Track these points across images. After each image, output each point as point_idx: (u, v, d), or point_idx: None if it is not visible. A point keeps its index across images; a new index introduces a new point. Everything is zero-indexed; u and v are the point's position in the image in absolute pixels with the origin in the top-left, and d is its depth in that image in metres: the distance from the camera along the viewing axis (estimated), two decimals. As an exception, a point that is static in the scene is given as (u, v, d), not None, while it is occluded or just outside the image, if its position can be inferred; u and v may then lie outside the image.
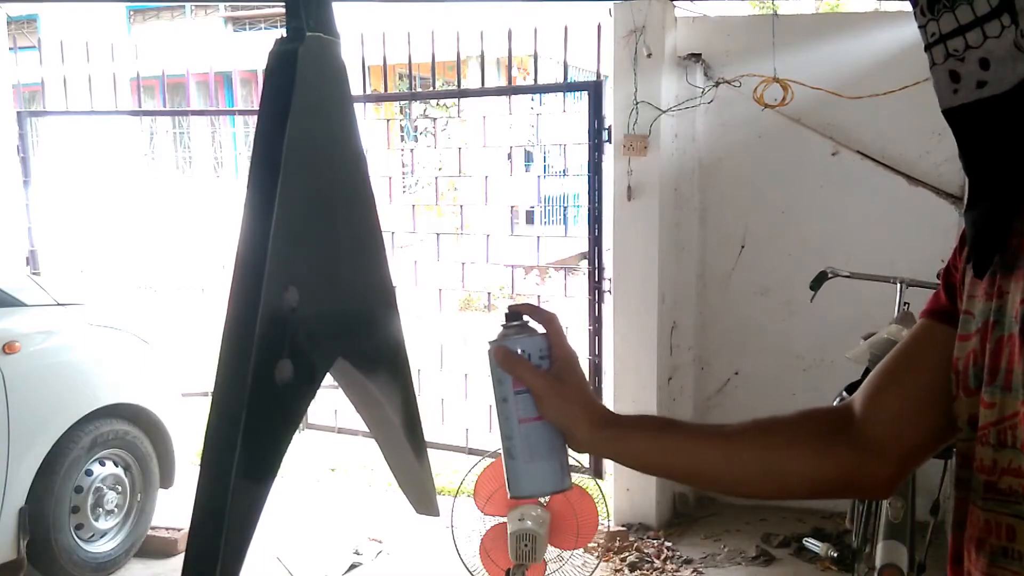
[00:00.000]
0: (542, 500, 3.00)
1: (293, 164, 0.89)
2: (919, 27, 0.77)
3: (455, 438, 4.52)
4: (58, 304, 3.57)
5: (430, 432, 4.25)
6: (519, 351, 0.94)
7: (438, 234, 4.73)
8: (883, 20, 3.99)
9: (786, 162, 4.08)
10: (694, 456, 0.95)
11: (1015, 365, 0.75)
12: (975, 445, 0.80)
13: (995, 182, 0.77)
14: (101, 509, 3.58)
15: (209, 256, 5.92)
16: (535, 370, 0.93)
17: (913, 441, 0.91)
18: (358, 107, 4.24)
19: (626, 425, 0.97)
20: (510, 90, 4.60)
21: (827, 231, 4.04)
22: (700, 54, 3.98)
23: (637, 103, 3.81)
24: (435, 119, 8.07)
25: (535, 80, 4.41)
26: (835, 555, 3.41)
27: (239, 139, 8.94)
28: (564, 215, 10.26)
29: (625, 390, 4.05)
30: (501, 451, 0.97)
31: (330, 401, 4.24)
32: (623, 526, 4.01)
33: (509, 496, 0.98)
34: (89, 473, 3.52)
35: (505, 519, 2.99)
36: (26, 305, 3.45)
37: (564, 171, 7.19)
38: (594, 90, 4.03)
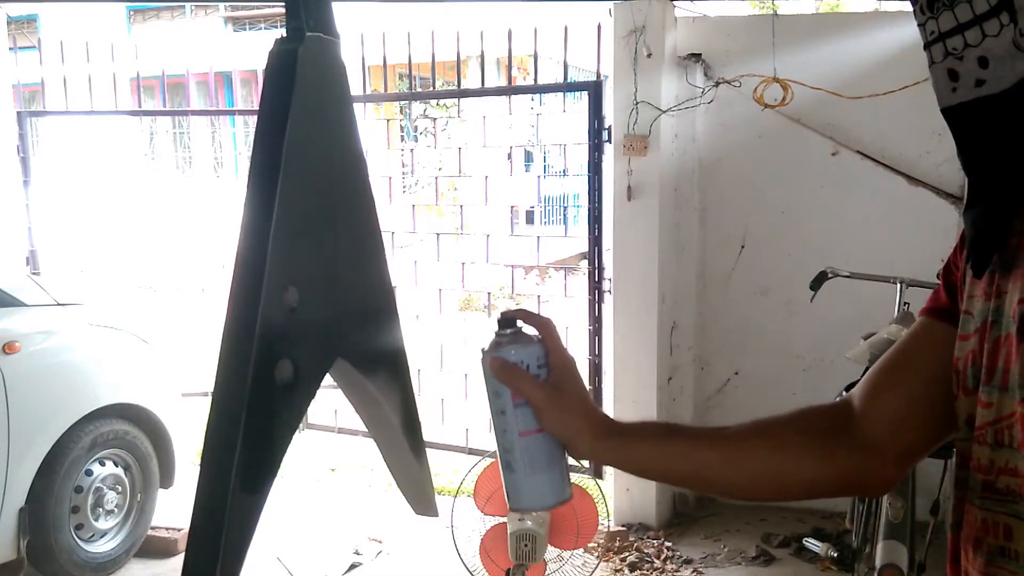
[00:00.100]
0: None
1: (293, 164, 0.89)
2: (918, 25, 0.77)
3: (455, 438, 4.52)
4: (58, 304, 3.57)
5: (430, 432, 4.27)
6: (516, 361, 0.91)
7: (438, 234, 4.73)
8: (883, 20, 3.99)
9: (786, 162, 4.08)
10: (695, 462, 0.95)
11: (1012, 365, 0.75)
12: (972, 445, 0.80)
13: (994, 181, 0.77)
14: (101, 509, 3.58)
15: (209, 256, 5.92)
16: (534, 382, 0.91)
17: (911, 439, 0.91)
18: (358, 107, 4.24)
19: (627, 433, 0.96)
20: (510, 90, 4.60)
21: (827, 231, 4.04)
22: (700, 54, 3.98)
23: (637, 103, 3.81)
24: (435, 119, 8.07)
25: (535, 80, 4.41)
26: (835, 555, 3.41)
27: (239, 139, 8.94)
28: (564, 215, 10.26)
29: (625, 390, 4.05)
30: (499, 463, 0.95)
31: (330, 401, 4.23)
32: (623, 526, 4.01)
33: (509, 509, 0.96)
34: (89, 473, 3.52)
35: (505, 519, 2.99)
36: (26, 305, 3.45)
37: (564, 171, 7.19)
38: (594, 90, 4.03)
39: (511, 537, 2.93)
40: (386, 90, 4.75)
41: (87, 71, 5.17)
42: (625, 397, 4.04)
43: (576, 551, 3.18)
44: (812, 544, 3.59)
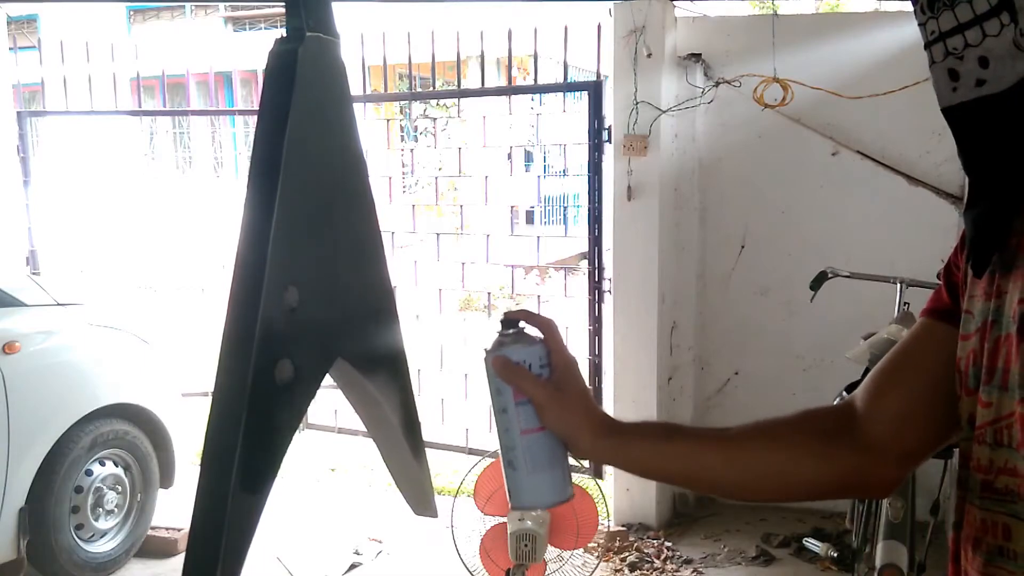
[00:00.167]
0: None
1: (293, 164, 0.89)
2: (919, 25, 0.77)
3: (455, 438, 4.52)
4: (58, 304, 3.57)
5: (430, 432, 4.27)
6: (518, 360, 0.92)
7: (438, 234, 4.73)
8: (883, 20, 3.99)
9: (786, 162, 4.08)
10: (696, 461, 0.95)
11: (1012, 365, 0.75)
12: (972, 444, 0.80)
13: (994, 181, 0.77)
14: (101, 509, 3.58)
15: (209, 256, 5.92)
16: (536, 380, 0.92)
17: (914, 440, 0.91)
18: (358, 107, 4.24)
19: (628, 433, 0.96)
20: (510, 90, 4.60)
21: (827, 231, 4.04)
22: (700, 54, 3.98)
23: (637, 103, 3.81)
24: (435, 119, 8.07)
25: (535, 80, 4.41)
26: (835, 555, 3.41)
27: (239, 139, 8.94)
28: (564, 215, 10.27)
29: (625, 390, 4.05)
30: (501, 461, 0.96)
31: (330, 401, 4.22)
32: (623, 526, 4.01)
33: (511, 507, 0.97)
34: (89, 473, 3.52)
35: (505, 519, 2.99)
36: (26, 305, 3.45)
37: (564, 171, 7.18)
38: (594, 90, 4.03)
39: (511, 537, 2.93)
40: (386, 90, 4.75)
41: (87, 71, 5.17)
42: (625, 397, 4.04)
43: (576, 551, 3.18)
44: (812, 544, 3.59)
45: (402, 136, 8.10)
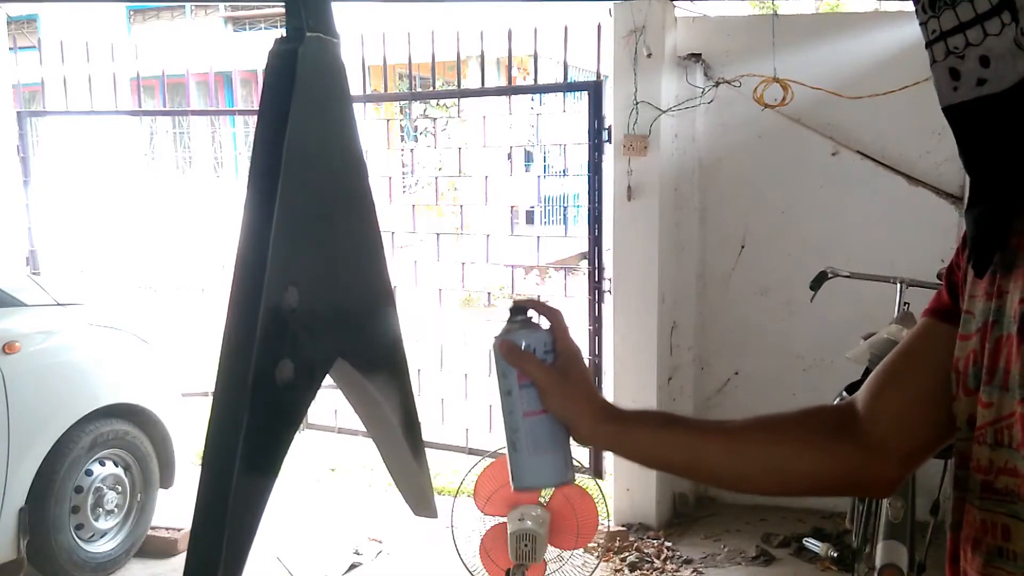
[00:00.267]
0: (542, 499, 3.01)
1: (293, 164, 0.89)
2: (920, 24, 0.77)
3: (455, 438, 4.52)
4: (58, 304, 3.57)
5: (430, 432, 4.27)
6: (524, 345, 0.95)
7: (438, 234, 4.73)
8: (883, 20, 4.00)
9: (786, 162, 4.08)
10: (696, 451, 0.96)
11: (1012, 365, 0.75)
12: (972, 445, 0.80)
13: (995, 180, 0.77)
14: (101, 509, 3.58)
15: (209, 256, 5.92)
16: (540, 364, 0.94)
17: (915, 440, 0.91)
18: (358, 107, 4.24)
19: (629, 419, 0.97)
20: (510, 90, 4.60)
21: (827, 231, 4.04)
22: (700, 54, 3.98)
23: (637, 103, 3.81)
24: (435, 119, 8.07)
25: (535, 80, 4.40)
26: (835, 555, 3.41)
27: (239, 139, 8.94)
28: (564, 215, 10.27)
29: (625, 390, 4.05)
30: (505, 444, 0.98)
31: (330, 401, 4.22)
32: (623, 526, 4.01)
33: (513, 488, 0.99)
34: (89, 473, 3.52)
35: (505, 519, 2.99)
36: (26, 305, 3.45)
37: (564, 171, 7.18)
38: (594, 90, 4.03)
39: (511, 537, 2.93)
40: (386, 90, 4.75)
41: (87, 71, 5.16)
42: (625, 397, 4.04)
43: (576, 551, 3.18)
44: (812, 544, 3.59)
45: (402, 136, 8.11)
